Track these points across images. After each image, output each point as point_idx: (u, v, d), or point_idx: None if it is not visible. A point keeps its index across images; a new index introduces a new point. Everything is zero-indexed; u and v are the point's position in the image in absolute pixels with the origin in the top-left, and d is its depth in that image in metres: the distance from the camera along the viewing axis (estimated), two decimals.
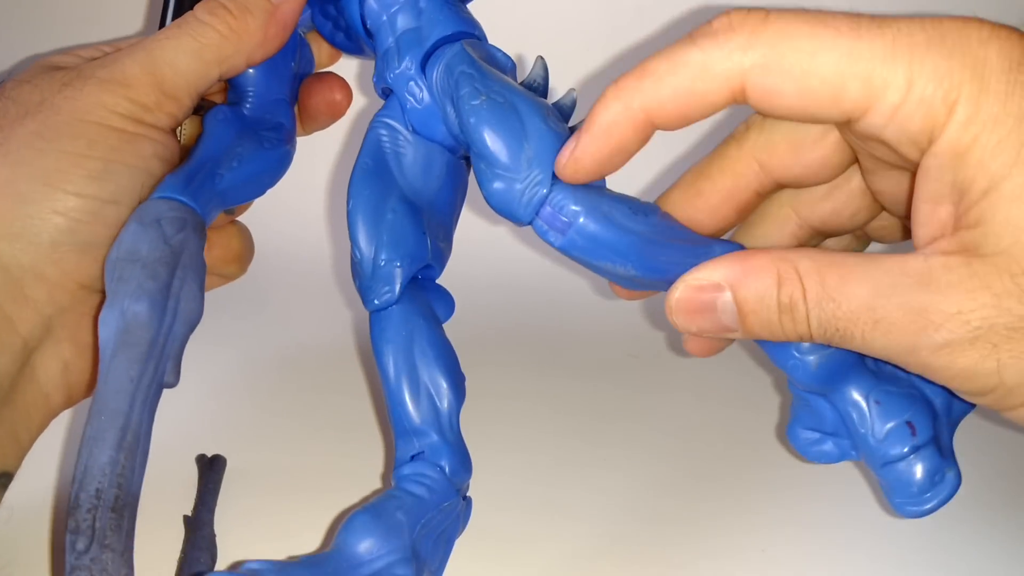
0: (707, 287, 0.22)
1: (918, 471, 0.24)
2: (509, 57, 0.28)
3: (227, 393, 0.34)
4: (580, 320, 0.44)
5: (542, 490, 0.28)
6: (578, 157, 0.23)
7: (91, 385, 0.27)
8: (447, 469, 0.24)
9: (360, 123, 0.33)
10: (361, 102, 0.42)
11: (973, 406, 0.27)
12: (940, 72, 0.19)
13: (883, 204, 0.26)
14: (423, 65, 0.27)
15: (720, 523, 0.31)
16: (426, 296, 0.27)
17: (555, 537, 0.29)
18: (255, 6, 0.28)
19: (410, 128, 0.28)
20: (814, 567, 0.29)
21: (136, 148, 0.26)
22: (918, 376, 0.25)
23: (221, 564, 0.27)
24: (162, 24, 0.31)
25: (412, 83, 0.27)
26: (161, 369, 0.22)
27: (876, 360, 0.25)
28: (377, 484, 0.31)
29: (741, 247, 0.25)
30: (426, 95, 0.27)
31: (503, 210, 0.24)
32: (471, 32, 0.28)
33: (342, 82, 0.33)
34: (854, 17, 0.21)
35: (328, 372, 0.38)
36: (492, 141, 0.24)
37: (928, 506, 0.24)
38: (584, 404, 0.38)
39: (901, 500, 0.24)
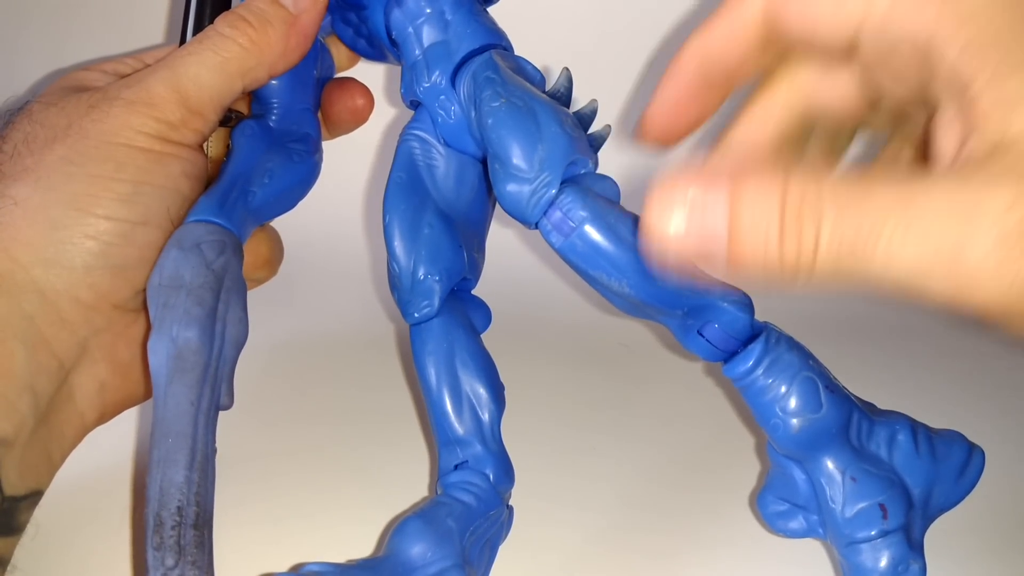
0: (705, 176, 0.19)
1: (883, 558, 0.24)
2: (538, 70, 0.29)
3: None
4: (570, 309, 0.46)
5: (531, 477, 0.29)
6: (654, 110, 0.24)
7: (124, 403, 0.30)
8: (491, 477, 0.27)
9: (395, 128, 0.35)
10: (391, 112, 0.45)
11: (956, 501, 0.27)
12: None
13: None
14: (453, 79, 0.29)
15: (709, 510, 0.33)
16: (464, 307, 0.29)
17: (543, 524, 0.31)
18: (275, 17, 0.30)
19: (441, 141, 0.30)
20: (801, 552, 0.31)
21: (164, 168, 0.28)
22: (902, 458, 0.26)
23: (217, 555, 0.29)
24: (183, 34, 0.33)
25: (443, 97, 0.29)
26: (217, 392, 0.24)
27: (860, 437, 0.25)
28: (388, 477, 0.34)
29: (744, 293, 0.25)
30: (457, 109, 0.29)
31: (513, 211, 0.26)
32: (499, 43, 0.29)
33: (363, 88, 0.35)
34: None
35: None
36: (507, 142, 0.26)
37: None
38: (575, 393, 0.40)
39: None
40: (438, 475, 0.28)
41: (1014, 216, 0.17)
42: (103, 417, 0.29)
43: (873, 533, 0.24)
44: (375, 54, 0.33)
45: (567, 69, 0.29)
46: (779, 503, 0.27)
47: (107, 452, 0.31)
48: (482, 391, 0.28)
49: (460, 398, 0.28)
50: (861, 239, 0.18)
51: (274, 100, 0.32)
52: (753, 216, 0.18)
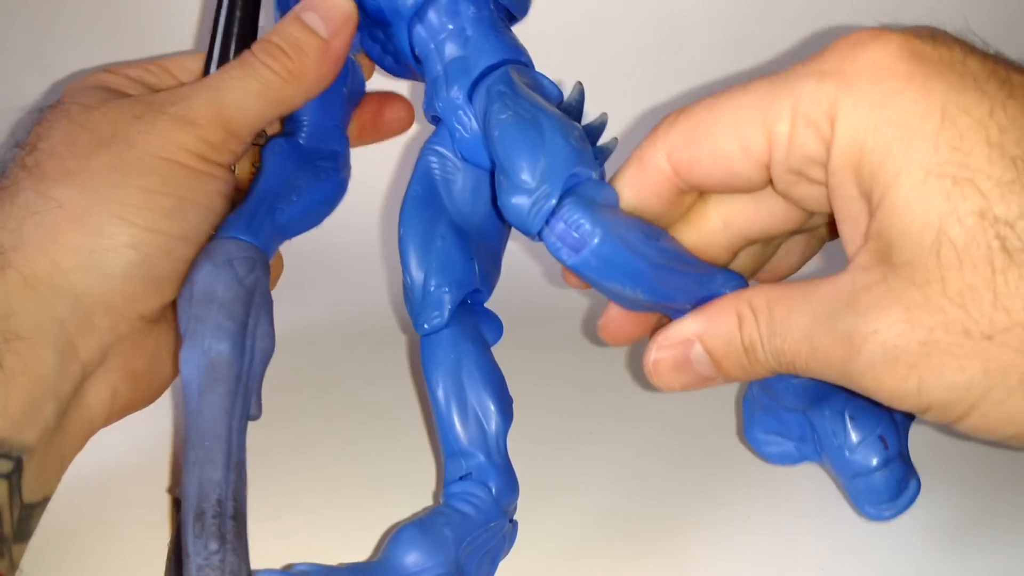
0: (677, 343, 0.26)
1: (889, 482, 0.28)
2: (555, 85, 0.30)
3: None
4: (564, 292, 0.46)
5: (527, 465, 0.30)
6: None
7: (127, 410, 0.31)
8: (494, 490, 0.28)
9: (415, 144, 0.36)
10: (413, 128, 0.46)
11: None
12: (818, 94, 0.22)
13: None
14: (470, 94, 0.30)
15: (706, 492, 0.35)
16: (475, 320, 0.31)
17: (542, 513, 0.32)
18: (309, 46, 0.31)
19: (459, 155, 0.31)
20: (796, 532, 0.33)
21: (204, 186, 0.29)
22: None
23: None
24: (211, 47, 0.33)
25: (460, 112, 0.30)
26: (247, 403, 0.26)
27: None
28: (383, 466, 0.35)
29: (741, 277, 0.27)
30: (474, 123, 0.30)
31: (516, 222, 0.27)
32: (517, 59, 0.30)
33: (406, 102, 0.37)
34: (753, 80, 0.24)
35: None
36: (511, 153, 0.27)
37: (895, 512, 0.28)
38: (569, 378, 0.41)
39: (871, 508, 0.28)
40: (442, 486, 0.29)
41: (875, 342, 0.21)
42: (106, 423, 0.30)
43: (876, 463, 0.27)
44: (401, 71, 0.34)
45: (580, 83, 0.30)
46: (770, 436, 0.30)
47: (103, 450, 0.32)
48: (488, 403, 0.29)
49: (466, 409, 0.29)
50: (788, 360, 0.24)
51: (304, 118, 0.33)
52: (725, 347, 0.25)
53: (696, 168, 0.25)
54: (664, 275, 0.26)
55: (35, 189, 0.27)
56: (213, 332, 0.26)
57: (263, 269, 0.29)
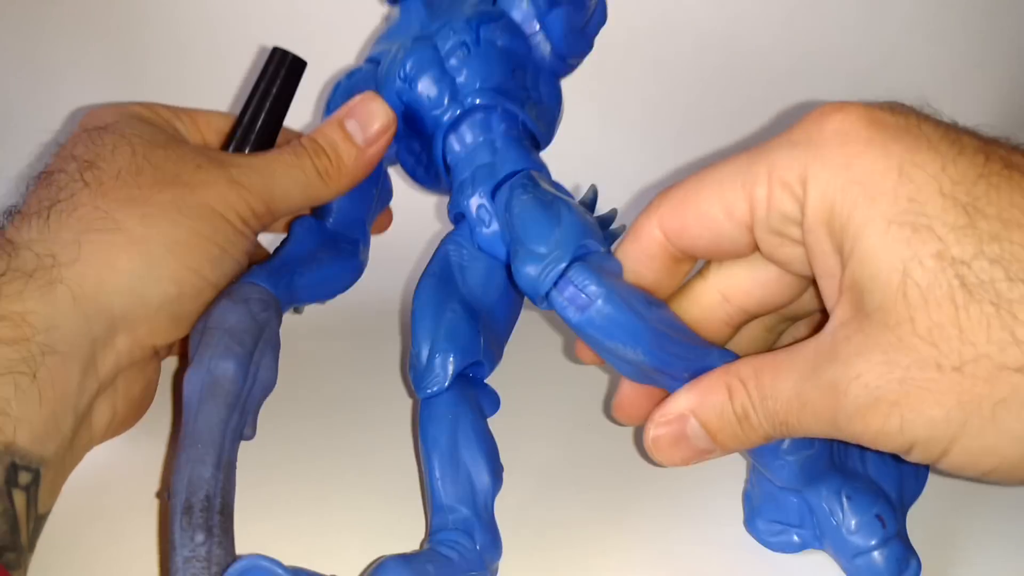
0: (673, 419, 0.27)
1: (888, 562, 0.28)
2: (570, 193, 0.33)
3: None
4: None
5: (521, 458, 0.30)
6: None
7: (116, 432, 0.32)
8: (478, 544, 0.28)
9: (437, 239, 0.39)
10: (437, 226, 0.50)
11: (919, 492, 0.31)
12: (790, 160, 0.24)
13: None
14: (493, 194, 0.33)
15: (704, 481, 0.34)
16: (474, 391, 0.31)
17: (537, 506, 0.32)
18: (346, 153, 0.35)
19: (477, 246, 0.34)
20: None
21: (241, 244, 0.32)
22: (873, 467, 0.30)
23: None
24: (242, 115, 0.37)
25: (483, 208, 0.33)
26: (243, 421, 0.27)
27: (840, 458, 0.29)
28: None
29: (735, 355, 0.28)
30: (495, 222, 0.33)
31: (527, 284, 0.29)
32: (539, 169, 0.34)
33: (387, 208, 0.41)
34: (733, 155, 0.27)
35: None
36: (528, 225, 0.29)
37: None
38: (554, 371, 0.42)
39: None
40: (428, 534, 0.28)
41: (858, 385, 0.23)
42: (100, 442, 0.31)
43: (874, 543, 0.28)
44: (430, 181, 0.38)
45: (594, 185, 0.34)
46: (770, 524, 0.30)
47: (99, 454, 0.32)
48: (480, 463, 0.29)
49: (457, 466, 0.29)
50: (781, 421, 0.25)
51: (334, 206, 0.36)
52: (718, 419, 0.26)
53: (685, 233, 0.27)
54: (663, 341, 0.27)
55: (94, 204, 0.30)
56: (220, 353, 0.28)
57: (276, 312, 0.30)
